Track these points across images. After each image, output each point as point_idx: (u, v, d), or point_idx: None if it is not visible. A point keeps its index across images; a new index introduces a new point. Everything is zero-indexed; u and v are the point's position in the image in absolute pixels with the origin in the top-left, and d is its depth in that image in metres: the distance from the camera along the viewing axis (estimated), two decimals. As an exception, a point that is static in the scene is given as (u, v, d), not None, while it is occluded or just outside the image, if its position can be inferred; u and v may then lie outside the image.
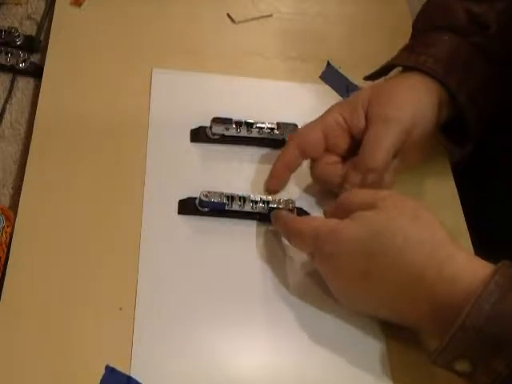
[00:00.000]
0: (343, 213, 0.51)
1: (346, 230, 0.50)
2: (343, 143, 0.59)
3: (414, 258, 0.47)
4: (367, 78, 0.64)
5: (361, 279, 0.49)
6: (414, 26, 0.65)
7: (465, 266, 0.47)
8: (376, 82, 0.64)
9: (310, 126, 0.59)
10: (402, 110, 0.56)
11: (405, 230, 0.48)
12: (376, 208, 0.50)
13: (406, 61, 0.60)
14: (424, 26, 0.63)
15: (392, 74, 0.63)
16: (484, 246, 0.53)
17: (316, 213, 0.60)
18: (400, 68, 0.62)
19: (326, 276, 0.53)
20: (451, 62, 0.59)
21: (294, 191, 0.61)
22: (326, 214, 0.56)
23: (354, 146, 0.58)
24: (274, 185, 0.60)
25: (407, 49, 0.62)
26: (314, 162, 0.60)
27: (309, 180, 0.61)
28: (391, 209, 0.50)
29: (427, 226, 0.49)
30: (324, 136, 0.58)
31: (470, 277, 0.46)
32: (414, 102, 0.57)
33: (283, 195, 0.60)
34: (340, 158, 0.59)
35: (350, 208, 0.52)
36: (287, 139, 0.61)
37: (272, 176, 0.60)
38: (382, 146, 0.55)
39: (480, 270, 0.46)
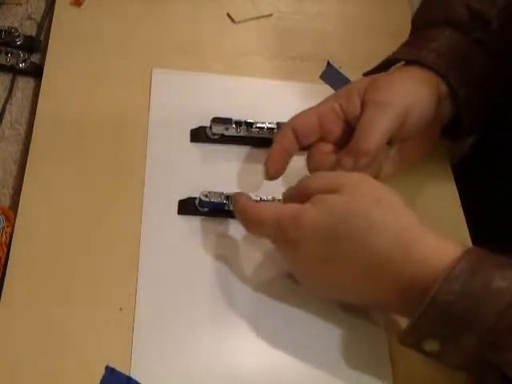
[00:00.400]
0: (303, 197, 0.51)
1: (307, 215, 0.49)
2: (338, 130, 0.58)
3: (378, 241, 0.47)
4: (367, 74, 0.64)
5: (326, 264, 0.49)
6: (414, 22, 0.65)
7: (433, 249, 0.46)
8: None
9: (304, 112, 0.58)
10: (396, 97, 0.56)
11: (368, 213, 0.47)
12: (337, 191, 0.49)
13: (408, 55, 0.60)
14: (424, 22, 0.63)
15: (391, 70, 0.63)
16: (484, 245, 0.53)
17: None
18: (400, 65, 0.62)
19: (291, 262, 0.52)
20: (452, 57, 0.59)
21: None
22: (285, 199, 0.55)
23: (350, 134, 0.57)
24: (273, 167, 0.58)
25: (407, 44, 0.62)
26: (309, 154, 0.59)
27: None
28: (352, 192, 0.49)
29: (391, 209, 0.48)
30: (319, 122, 0.57)
31: (438, 259, 0.46)
32: (409, 91, 0.57)
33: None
34: (335, 148, 0.58)
35: (309, 192, 0.51)
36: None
37: (270, 159, 0.58)
38: (375, 129, 0.55)
39: (449, 252, 0.46)
